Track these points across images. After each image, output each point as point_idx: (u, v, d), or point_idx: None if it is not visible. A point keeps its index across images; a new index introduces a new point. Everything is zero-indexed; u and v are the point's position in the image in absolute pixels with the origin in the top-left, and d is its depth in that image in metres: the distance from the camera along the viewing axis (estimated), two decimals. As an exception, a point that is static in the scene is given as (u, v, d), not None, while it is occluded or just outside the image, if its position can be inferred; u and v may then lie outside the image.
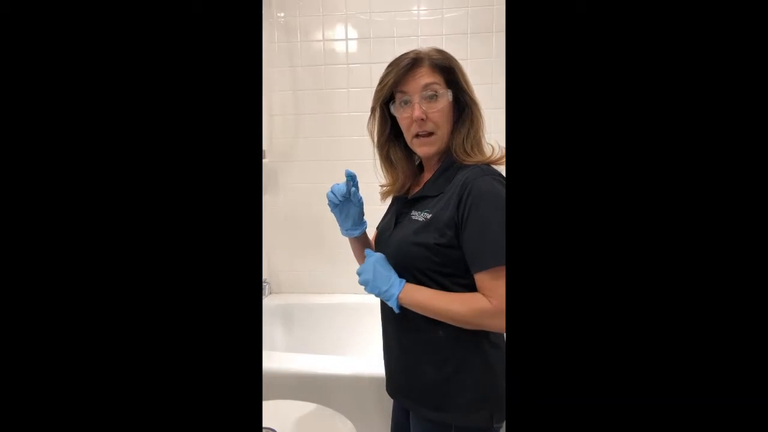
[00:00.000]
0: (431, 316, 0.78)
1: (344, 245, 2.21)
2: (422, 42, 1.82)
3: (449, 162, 0.83)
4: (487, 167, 0.80)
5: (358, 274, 0.83)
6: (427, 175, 0.89)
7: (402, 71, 0.80)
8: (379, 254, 0.83)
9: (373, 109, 0.89)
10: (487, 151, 0.83)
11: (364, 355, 1.76)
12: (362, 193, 0.91)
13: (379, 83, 0.84)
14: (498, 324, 0.74)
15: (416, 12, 1.83)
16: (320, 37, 1.88)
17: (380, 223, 0.95)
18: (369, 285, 0.81)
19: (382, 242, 0.89)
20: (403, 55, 0.82)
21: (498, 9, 1.78)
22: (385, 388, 0.95)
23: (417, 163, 0.94)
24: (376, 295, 0.81)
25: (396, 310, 0.80)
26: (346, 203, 0.89)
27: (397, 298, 0.79)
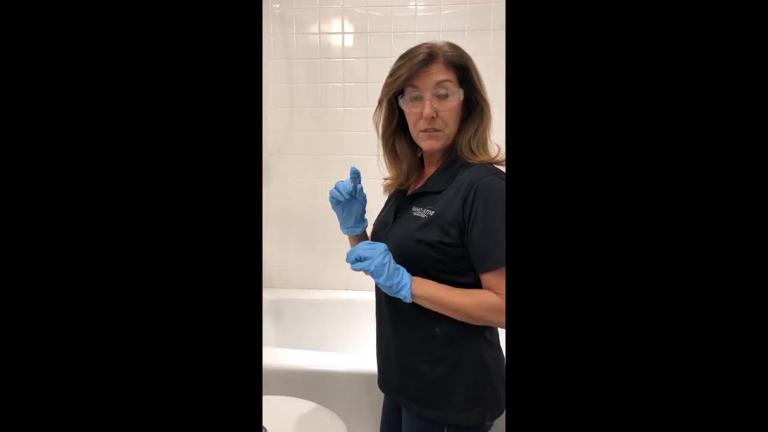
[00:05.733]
0: (438, 309, 0.77)
1: (336, 241, 2.19)
2: (419, 38, 1.81)
3: (452, 159, 0.83)
4: (492, 167, 0.79)
5: (361, 258, 0.77)
6: (428, 171, 0.88)
7: (416, 66, 0.78)
8: (383, 244, 0.80)
9: (380, 101, 0.87)
10: (492, 151, 0.83)
11: (355, 351, 1.76)
12: (358, 189, 0.91)
13: (390, 75, 0.82)
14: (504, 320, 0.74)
15: (414, 8, 1.82)
16: (316, 30, 1.86)
17: (377, 218, 0.94)
18: (383, 276, 0.76)
19: (380, 237, 0.88)
20: (416, 48, 0.80)
21: (495, 7, 1.77)
22: (377, 383, 0.94)
23: (419, 156, 0.92)
24: (383, 284, 0.77)
25: (409, 300, 0.77)
26: (351, 201, 0.88)
27: (410, 288, 0.76)
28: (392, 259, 0.78)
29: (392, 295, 0.78)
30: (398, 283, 0.76)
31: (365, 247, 0.78)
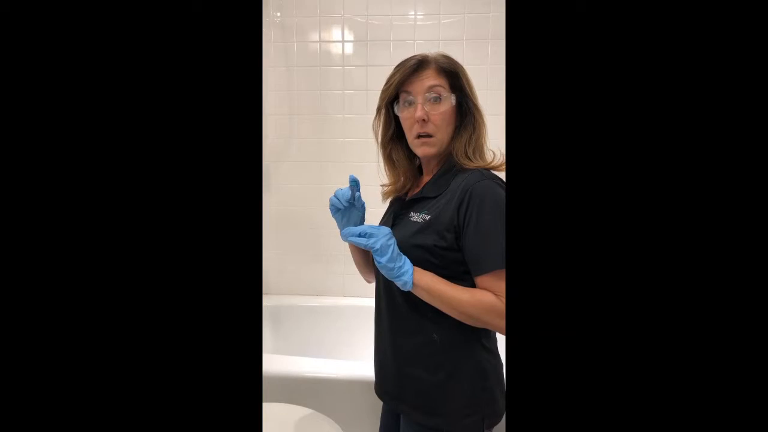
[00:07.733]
0: (435, 302, 0.77)
1: (335, 247, 2.19)
2: (419, 46, 1.83)
3: (449, 165, 0.84)
4: (487, 171, 0.80)
5: (366, 235, 0.76)
6: (426, 178, 0.89)
7: (408, 72, 0.82)
8: (388, 228, 0.79)
9: (378, 109, 0.90)
10: (489, 156, 0.84)
11: (354, 358, 1.76)
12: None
13: (386, 83, 0.85)
14: (501, 324, 0.74)
15: (413, 16, 1.83)
16: (316, 39, 1.88)
17: (379, 224, 0.95)
18: (386, 256, 0.74)
19: None
20: (410, 57, 0.84)
21: (494, 16, 1.79)
22: (374, 390, 0.94)
23: (417, 165, 0.94)
24: (386, 264, 0.75)
25: (408, 287, 0.76)
26: (350, 208, 0.89)
27: (412, 275, 0.76)
28: (396, 245, 0.77)
29: (392, 279, 0.76)
30: (400, 267, 0.75)
31: (370, 227, 0.77)
